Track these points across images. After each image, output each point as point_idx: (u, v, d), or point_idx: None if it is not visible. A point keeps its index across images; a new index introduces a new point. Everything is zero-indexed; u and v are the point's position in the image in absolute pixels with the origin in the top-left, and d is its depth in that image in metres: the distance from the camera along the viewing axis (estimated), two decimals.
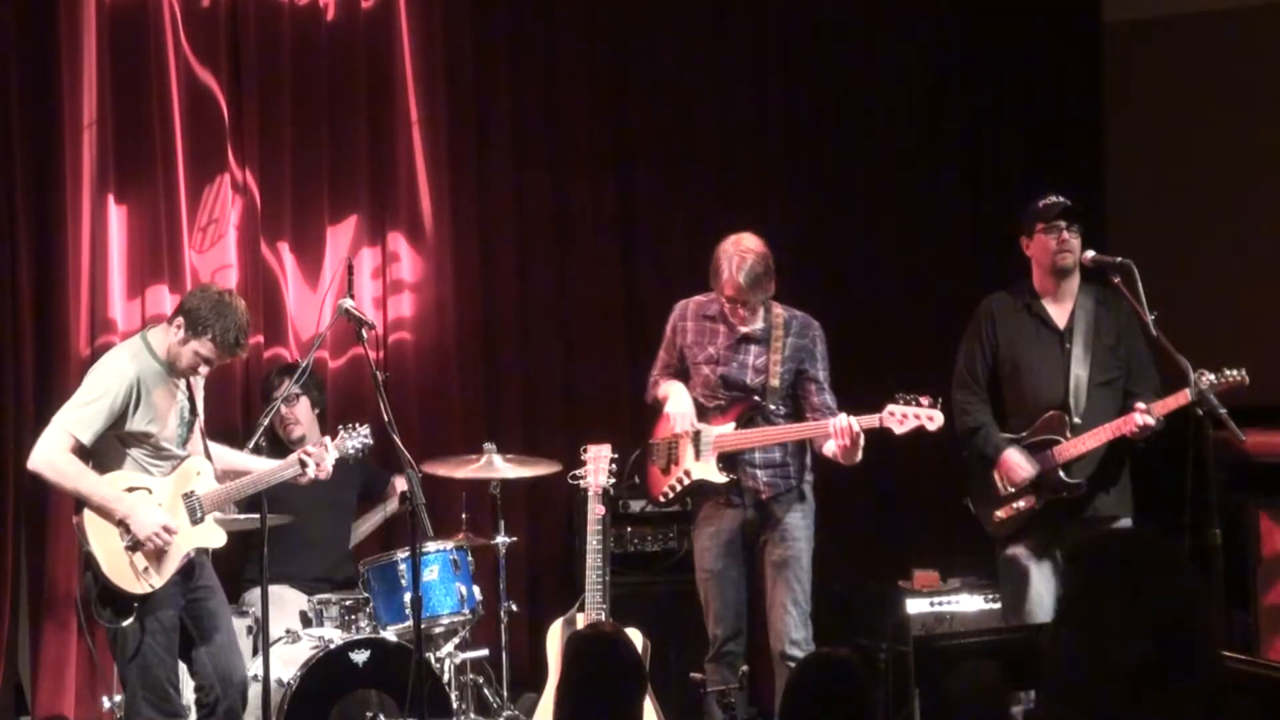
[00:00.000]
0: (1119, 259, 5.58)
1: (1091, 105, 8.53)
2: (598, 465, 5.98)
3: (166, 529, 5.20)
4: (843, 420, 5.55)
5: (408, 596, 5.82)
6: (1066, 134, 8.45)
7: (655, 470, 6.00)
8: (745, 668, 5.77)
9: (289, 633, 6.08)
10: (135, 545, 5.18)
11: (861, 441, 5.58)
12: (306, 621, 6.18)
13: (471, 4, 7.57)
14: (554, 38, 7.73)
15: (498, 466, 6.35)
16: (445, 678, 6.06)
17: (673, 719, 5.85)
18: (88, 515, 5.21)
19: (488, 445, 6.41)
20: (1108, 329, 5.74)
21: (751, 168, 8.07)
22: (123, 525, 5.18)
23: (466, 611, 6.17)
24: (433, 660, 6.01)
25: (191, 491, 5.34)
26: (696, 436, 5.82)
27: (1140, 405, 5.53)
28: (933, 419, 5.52)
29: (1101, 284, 5.82)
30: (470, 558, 6.30)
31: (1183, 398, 5.44)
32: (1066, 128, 8.45)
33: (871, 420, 5.55)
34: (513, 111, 7.61)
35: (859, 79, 8.19)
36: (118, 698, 6.06)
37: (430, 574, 6.07)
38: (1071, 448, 5.61)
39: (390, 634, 5.99)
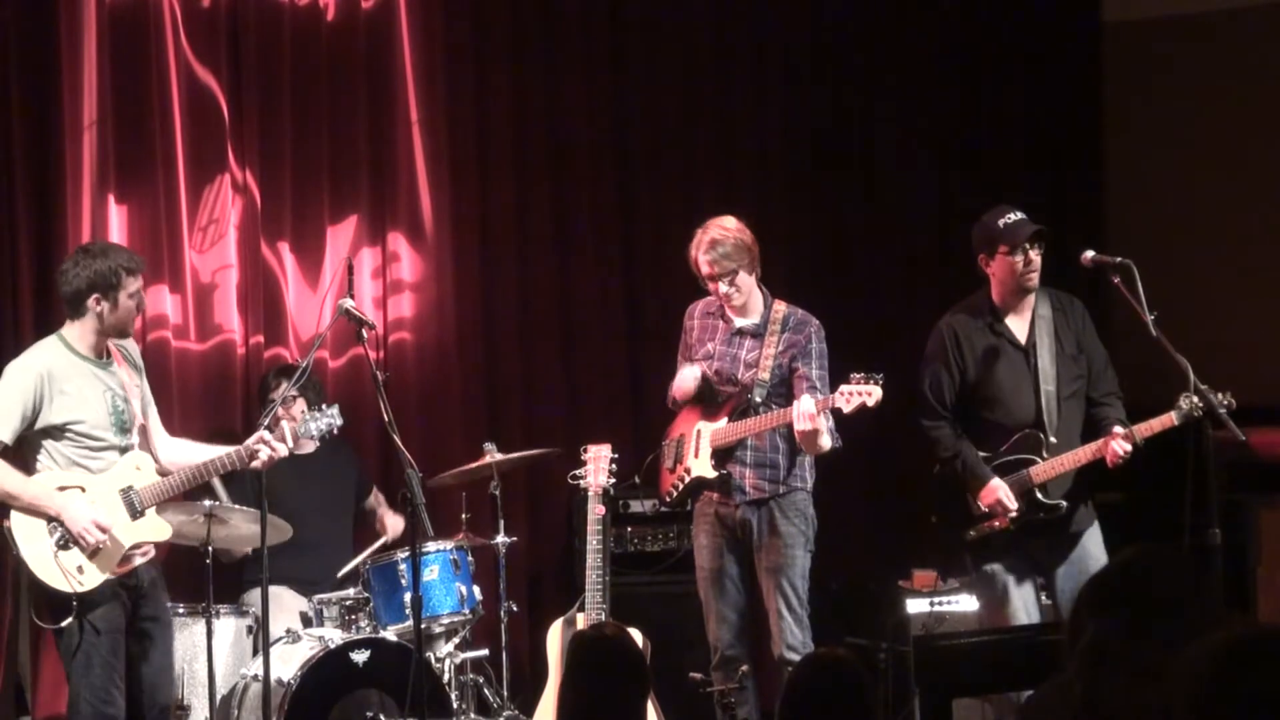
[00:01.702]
0: (1118, 259, 5.54)
1: (1091, 105, 8.53)
2: (598, 465, 5.98)
3: (99, 525, 5.11)
4: (800, 405, 5.52)
5: (408, 596, 5.83)
6: (1067, 134, 8.45)
7: (664, 470, 6.01)
8: (745, 667, 5.76)
9: (289, 633, 6.08)
10: (64, 544, 5.11)
11: (823, 425, 5.54)
12: (306, 621, 6.19)
13: (471, 4, 7.57)
14: (554, 37, 7.73)
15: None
16: (445, 678, 6.06)
17: (673, 719, 5.85)
18: (14, 517, 5.13)
19: (488, 445, 6.42)
20: (1068, 338, 5.68)
21: (751, 167, 8.07)
22: (55, 523, 5.10)
23: (466, 611, 6.18)
24: (433, 660, 6.02)
25: (130, 486, 5.23)
26: (697, 434, 5.83)
27: (1119, 430, 5.47)
28: (870, 394, 5.45)
29: (1054, 287, 5.78)
30: (470, 558, 6.31)
31: (1167, 421, 5.39)
32: (1066, 128, 8.45)
33: (825, 402, 5.53)
34: (513, 111, 7.61)
35: (859, 79, 8.19)
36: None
37: (430, 574, 6.07)
38: (1048, 469, 5.55)
39: (390, 634, 6.00)
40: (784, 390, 5.76)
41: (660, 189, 7.88)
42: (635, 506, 7.02)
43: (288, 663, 5.89)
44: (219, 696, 5.83)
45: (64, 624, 5.13)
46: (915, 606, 6.81)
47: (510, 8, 7.66)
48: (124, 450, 5.28)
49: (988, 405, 5.69)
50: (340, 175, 7.28)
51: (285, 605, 6.30)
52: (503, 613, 6.35)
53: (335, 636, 5.99)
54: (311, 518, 6.44)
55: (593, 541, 5.86)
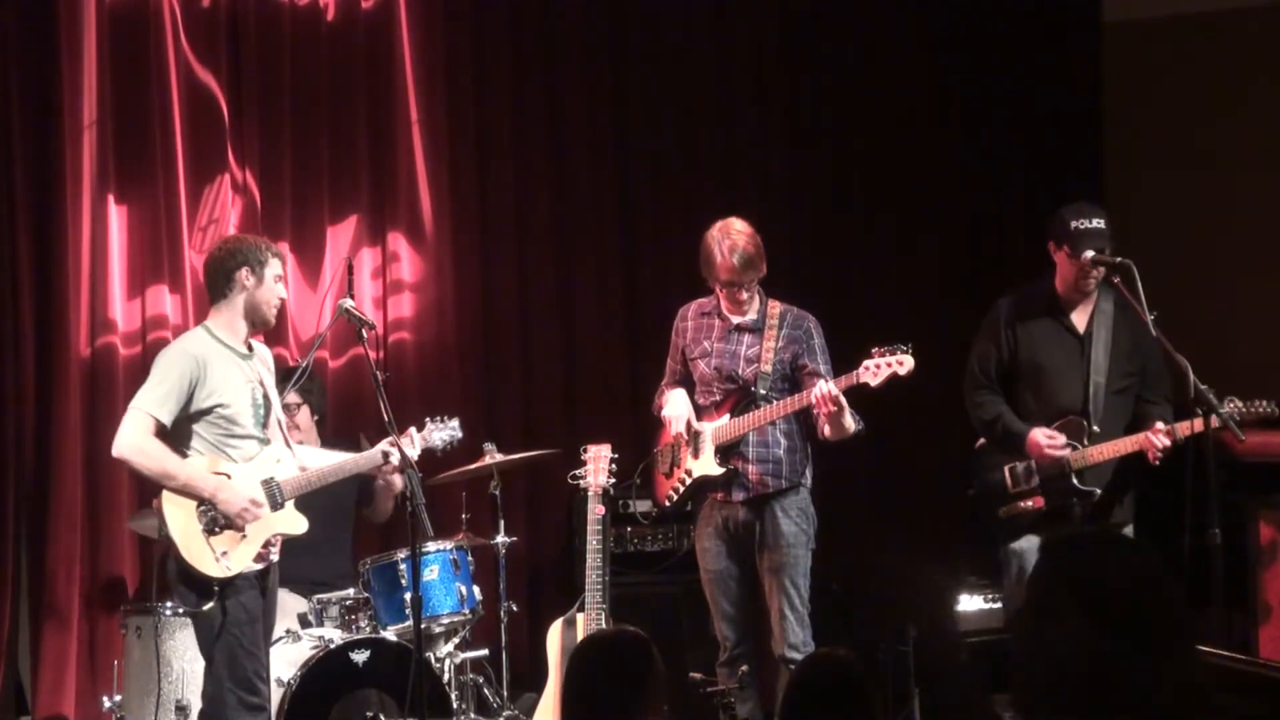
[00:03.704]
0: (1119, 259, 5.55)
1: (1091, 105, 8.52)
2: (598, 465, 5.98)
3: (255, 502, 5.16)
4: (822, 388, 5.53)
5: (408, 596, 5.82)
6: (1067, 133, 8.45)
7: (660, 476, 6.00)
8: (745, 667, 5.76)
9: (289, 633, 6.09)
10: (212, 528, 5.13)
11: (845, 406, 5.55)
12: (306, 622, 6.18)
13: (471, 4, 7.57)
14: (554, 38, 7.73)
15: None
16: (445, 678, 6.06)
17: (673, 719, 5.84)
18: (166, 498, 5.15)
19: (488, 445, 6.41)
20: (1125, 335, 5.72)
21: (752, 167, 8.06)
22: (209, 503, 5.12)
23: (466, 611, 6.18)
24: (433, 660, 6.02)
25: (271, 478, 5.27)
26: (695, 437, 5.81)
27: (1161, 426, 5.52)
28: (903, 364, 5.48)
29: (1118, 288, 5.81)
30: (470, 558, 6.30)
31: (1211, 421, 5.40)
32: (1067, 127, 8.44)
33: (850, 379, 5.53)
34: (513, 111, 7.61)
35: (859, 79, 8.19)
36: (118, 697, 6.08)
37: (430, 574, 6.07)
38: (1087, 456, 5.60)
39: (390, 634, 6.00)
40: (786, 385, 5.77)
41: (660, 189, 7.88)
42: (636, 506, 7.02)
43: (288, 663, 5.89)
44: None
45: (206, 607, 5.12)
46: (915, 607, 6.81)
47: (510, 8, 7.66)
48: (263, 442, 5.31)
49: (1034, 387, 5.75)
50: (340, 175, 7.29)
51: (285, 606, 6.30)
52: (503, 613, 6.35)
53: (335, 636, 5.99)
54: (312, 519, 6.43)
55: (593, 541, 5.85)
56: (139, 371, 6.84)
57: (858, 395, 5.62)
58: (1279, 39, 8.15)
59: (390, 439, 5.42)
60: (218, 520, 5.14)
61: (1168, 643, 2.28)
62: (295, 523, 5.37)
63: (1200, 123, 8.24)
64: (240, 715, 5.15)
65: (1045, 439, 5.62)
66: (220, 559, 5.13)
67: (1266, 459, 6.71)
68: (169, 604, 6.06)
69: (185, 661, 5.96)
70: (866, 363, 5.51)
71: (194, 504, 5.14)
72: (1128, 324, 5.73)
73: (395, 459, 5.43)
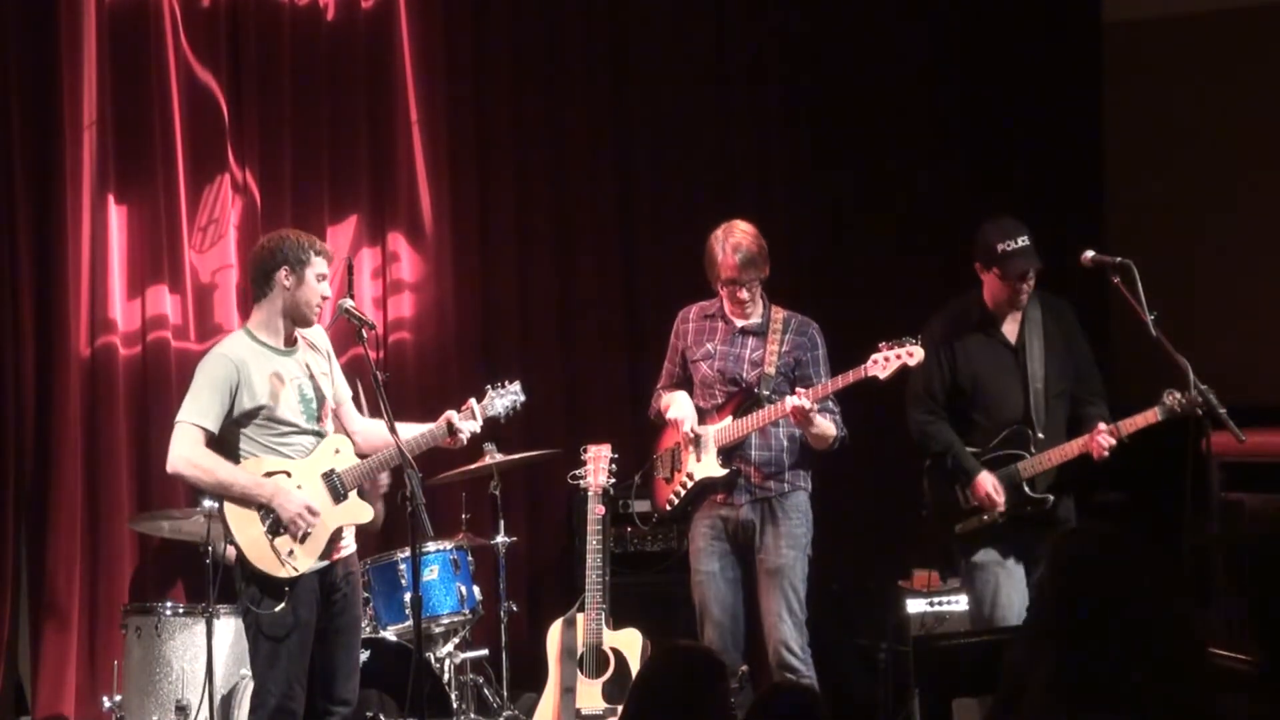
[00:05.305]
0: (1118, 259, 5.57)
1: (1091, 105, 8.53)
2: (597, 465, 5.98)
3: (310, 510, 5.09)
4: (789, 402, 5.54)
5: (408, 596, 5.83)
6: (1067, 133, 8.45)
7: (660, 481, 5.98)
8: (745, 668, 5.76)
9: None
10: (276, 530, 5.08)
11: (815, 419, 5.55)
12: None
13: (471, 4, 7.58)
14: (554, 37, 7.74)
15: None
16: (445, 678, 6.06)
17: None
18: (228, 506, 5.11)
19: (488, 445, 6.41)
20: (1056, 338, 5.77)
21: (752, 167, 8.07)
22: (266, 509, 5.07)
23: (466, 611, 6.19)
24: (433, 660, 6.02)
25: (331, 470, 5.20)
26: (697, 440, 5.80)
27: (1103, 426, 5.56)
28: (913, 355, 5.51)
29: (1048, 289, 5.84)
30: (470, 558, 6.31)
31: (1151, 416, 5.49)
32: (1066, 127, 8.45)
33: (858, 373, 5.53)
34: (513, 111, 7.61)
35: (859, 80, 8.19)
36: (118, 697, 6.08)
37: (430, 574, 6.08)
38: (1037, 464, 5.65)
39: (390, 634, 6.00)
40: (789, 389, 5.76)
41: (660, 189, 7.88)
42: (635, 507, 7.02)
43: None
44: (219, 696, 5.83)
45: (278, 609, 5.07)
46: (915, 606, 6.82)
47: (511, 8, 7.66)
48: (318, 435, 5.25)
49: (976, 402, 5.78)
50: (340, 175, 7.29)
51: None
52: (503, 613, 6.35)
53: None
54: None
55: (593, 541, 5.85)
56: (139, 371, 6.85)
57: (865, 390, 5.62)
58: (1279, 39, 8.15)
59: (448, 412, 5.35)
60: (280, 520, 5.10)
61: (1178, 644, 2.29)
62: (361, 512, 5.30)
63: (1200, 123, 8.25)
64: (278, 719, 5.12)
65: (992, 489, 5.64)
66: (286, 560, 5.08)
67: (1266, 459, 6.72)
68: (168, 604, 6.07)
69: (185, 661, 5.96)
70: (875, 356, 5.52)
71: (255, 508, 5.10)
72: (1057, 328, 5.79)
73: (464, 435, 5.35)
